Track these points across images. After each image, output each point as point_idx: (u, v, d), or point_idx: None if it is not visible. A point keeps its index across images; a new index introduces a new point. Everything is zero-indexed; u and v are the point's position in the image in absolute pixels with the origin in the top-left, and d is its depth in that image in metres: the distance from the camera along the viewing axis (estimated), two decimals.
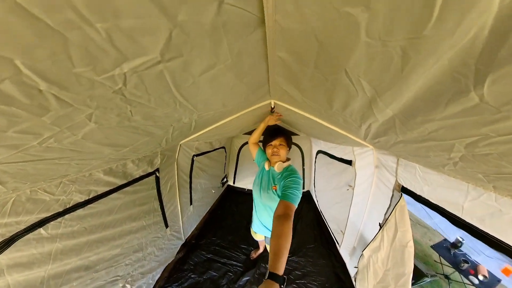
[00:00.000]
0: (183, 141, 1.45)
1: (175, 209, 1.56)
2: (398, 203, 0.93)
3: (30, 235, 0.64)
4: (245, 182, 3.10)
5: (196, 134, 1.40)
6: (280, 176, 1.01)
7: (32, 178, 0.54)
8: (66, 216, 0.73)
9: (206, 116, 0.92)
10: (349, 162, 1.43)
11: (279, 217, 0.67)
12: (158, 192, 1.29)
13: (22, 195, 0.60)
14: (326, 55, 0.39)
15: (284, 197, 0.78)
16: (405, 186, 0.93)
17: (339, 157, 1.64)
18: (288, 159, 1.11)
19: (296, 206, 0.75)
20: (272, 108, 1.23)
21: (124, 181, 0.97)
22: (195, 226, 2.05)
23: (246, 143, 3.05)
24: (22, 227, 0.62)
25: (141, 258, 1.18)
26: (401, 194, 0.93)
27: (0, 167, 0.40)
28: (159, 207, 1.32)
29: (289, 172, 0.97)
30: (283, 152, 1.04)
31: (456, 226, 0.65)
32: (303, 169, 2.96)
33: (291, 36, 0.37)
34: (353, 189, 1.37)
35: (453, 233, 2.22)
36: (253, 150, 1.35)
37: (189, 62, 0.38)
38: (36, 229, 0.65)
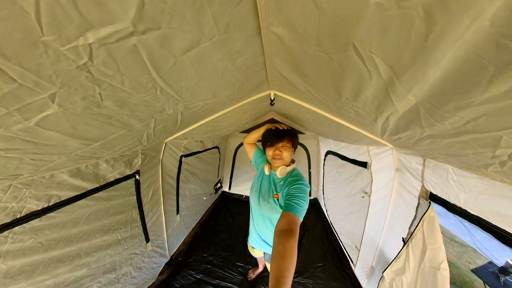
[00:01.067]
0: (168, 138, 1.45)
1: (158, 219, 1.54)
2: (425, 214, 0.89)
3: None
4: (242, 187, 3.09)
5: (184, 131, 1.40)
6: (283, 182, 0.99)
7: None
8: (16, 228, 0.68)
9: (194, 108, 0.92)
10: (363, 165, 1.42)
11: (282, 233, 0.65)
12: (138, 199, 1.28)
13: None
14: (330, 27, 0.37)
15: (287, 208, 0.76)
16: (434, 193, 0.89)
17: (352, 158, 1.63)
18: (292, 162, 1.09)
19: (302, 219, 0.74)
20: (271, 100, 1.23)
21: (96, 185, 0.95)
22: (183, 240, 2.03)
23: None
24: None
25: (114, 281, 1.14)
26: (429, 202, 0.89)
27: None
28: (138, 216, 1.30)
29: (293, 178, 0.95)
30: (287, 155, 1.02)
31: (508, 245, 0.58)
32: (309, 173, 2.96)
33: (286, 4, 0.36)
34: (369, 196, 1.35)
35: (502, 255, 1.99)
36: (250, 150, 1.34)
37: (168, 37, 0.38)
38: None
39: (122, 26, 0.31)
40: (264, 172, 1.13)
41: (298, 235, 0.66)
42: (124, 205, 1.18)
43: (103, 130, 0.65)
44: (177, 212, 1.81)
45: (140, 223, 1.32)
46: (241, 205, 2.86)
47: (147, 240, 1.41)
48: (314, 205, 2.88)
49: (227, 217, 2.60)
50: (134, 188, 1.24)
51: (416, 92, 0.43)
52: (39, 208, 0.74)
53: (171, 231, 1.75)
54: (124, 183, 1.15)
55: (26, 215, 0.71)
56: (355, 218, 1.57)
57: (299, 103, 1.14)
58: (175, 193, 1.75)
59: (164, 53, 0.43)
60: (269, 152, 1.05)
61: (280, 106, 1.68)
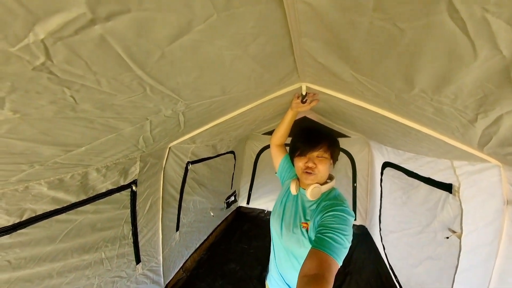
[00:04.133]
0: (173, 143, 1.51)
1: (153, 237, 1.61)
2: None
3: None
4: (265, 199, 3.09)
5: (191, 134, 1.44)
6: (315, 206, 0.92)
7: None
8: None
9: (199, 107, 0.92)
10: (447, 188, 1.23)
11: (307, 281, 0.60)
12: (132, 213, 1.35)
13: None
14: None
15: (318, 244, 0.69)
16: None
17: (426, 176, 1.43)
18: (330, 178, 1.00)
19: (340, 262, 0.67)
20: (303, 97, 1.15)
21: (83, 197, 1.02)
22: (182, 264, 2.08)
23: (268, 146, 3.04)
24: None
25: None
26: None
27: None
28: (130, 233, 1.37)
29: (330, 201, 0.87)
30: (323, 169, 0.92)
31: None
32: (354, 188, 2.77)
33: None
34: (459, 237, 1.15)
35: None
36: (277, 157, 1.26)
37: (144, 21, 0.35)
38: None
39: (76, 13, 0.29)
40: (290, 191, 1.05)
41: (331, 286, 0.59)
42: (115, 219, 1.25)
43: (85, 134, 0.68)
44: (177, 229, 1.88)
45: (132, 240, 1.40)
46: (261, 225, 2.84)
47: (138, 261, 1.48)
48: (361, 236, 2.65)
49: (241, 241, 2.60)
50: (129, 200, 1.32)
51: None
52: (10, 224, 0.82)
53: (168, 252, 1.82)
54: (117, 194, 1.22)
55: None
56: (437, 269, 1.36)
57: (343, 99, 1.04)
58: (176, 206, 1.82)
59: (144, 44, 0.40)
60: (299, 163, 0.96)
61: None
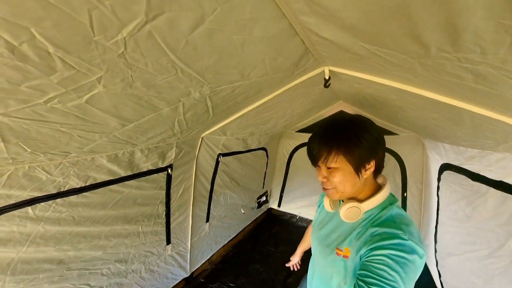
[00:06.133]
0: (205, 133, 1.78)
1: (184, 222, 1.90)
2: None
3: (16, 212, 0.94)
4: (297, 204, 3.13)
5: (221, 124, 1.69)
6: (359, 230, 0.75)
7: (34, 144, 0.84)
8: (58, 200, 1.07)
9: (223, 92, 1.13)
10: None
11: None
12: (167, 194, 1.66)
13: (19, 170, 0.90)
14: None
15: None
16: None
17: (496, 179, 1.28)
18: (377, 189, 0.80)
19: None
20: (326, 81, 1.26)
21: (129, 173, 1.35)
22: (209, 257, 2.33)
23: (302, 145, 3.10)
24: (12, 201, 0.92)
25: (122, 272, 1.52)
26: None
27: (7, 121, 0.67)
28: (164, 213, 1.68)
29: (382, 228, 0.68)
30: (338, 182, 0.74)
31: None
32: (404, 198, 2.60)
33: None
34: None
35: None
36: None
37: (173, 18, 0.57)
38: (25, 207, 0.97)
39: (140, 19, 0.53)
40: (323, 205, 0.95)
41: None
42: (152, 197, 1.57)
43: (136, 111, 0.96)
44: (207, 220, 2.14)
45: (165, 220, 1.71)
46: (291, 231, 2.89)
47: (168, 241, 1.78)
48: None
49: (269, 243, 2.72)
50: (165, 182, 1.63)
51: None
52: (78, 187, 1.14)
53: (197, 241, 2.09)
54: (155, 175, 1.55)
55: (68, 190, 1.11)
56: None
57: (370, 80, 1.08)
58: (207, 196, 2.08)
59: (174, 34, 0.63)
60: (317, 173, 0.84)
61: (346, 90, 1.63)
